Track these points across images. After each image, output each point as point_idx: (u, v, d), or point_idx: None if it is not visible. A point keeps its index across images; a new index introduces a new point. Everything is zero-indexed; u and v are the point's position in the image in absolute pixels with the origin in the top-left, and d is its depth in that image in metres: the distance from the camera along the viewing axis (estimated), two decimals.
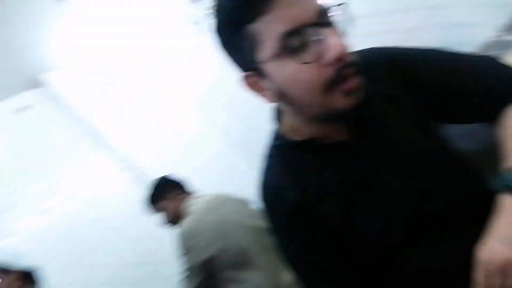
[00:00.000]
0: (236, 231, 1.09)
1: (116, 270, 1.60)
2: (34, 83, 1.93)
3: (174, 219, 1.29)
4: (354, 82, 0.35)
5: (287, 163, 0.44)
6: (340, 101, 0.35)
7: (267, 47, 0.34)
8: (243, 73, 0.39)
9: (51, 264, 1.22)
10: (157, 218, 1.35)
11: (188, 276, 1.17)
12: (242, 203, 1.24)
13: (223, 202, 1.21)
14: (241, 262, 1.09)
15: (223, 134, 1.94)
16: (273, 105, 0.44)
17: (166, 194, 1.31)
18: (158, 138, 1.91)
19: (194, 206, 1.23)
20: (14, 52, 1.81)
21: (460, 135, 0.51)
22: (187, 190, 1.33)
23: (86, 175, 1.82)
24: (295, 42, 0.33)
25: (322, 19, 0.33)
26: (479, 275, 0.32)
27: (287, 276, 0.98)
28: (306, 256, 0.45)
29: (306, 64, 0.33)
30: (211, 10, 0.38)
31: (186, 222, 1.20)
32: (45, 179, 1.75)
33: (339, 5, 0.34)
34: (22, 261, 1.06)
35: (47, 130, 1.87)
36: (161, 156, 1.83)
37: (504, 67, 0.43)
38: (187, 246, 1.16)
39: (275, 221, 0.47)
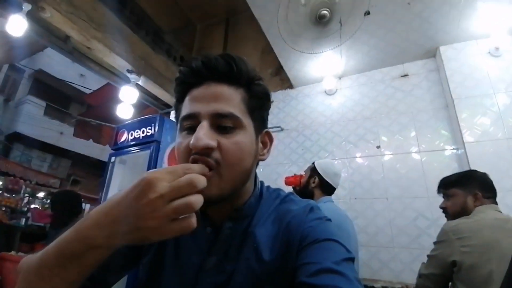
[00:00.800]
0: (498, 256, 1.00)
1: None
2: (429, 54, 2.29)
3: (455, 212, 1.26)
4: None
5: None
6: None
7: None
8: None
9: None
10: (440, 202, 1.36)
11: (427, 263, 1.20)
12: None
13: (507, 222, 1.12)
14: (477, 284, 1.02)
15: None
16: None
17: (469, 186, 1.27)
18: None
19: (482, 215, 1.16)
20: (417, 23, 2.04)
21: None
22: (492, 199, 1.25)
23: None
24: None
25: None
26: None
27: None
28: None
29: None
30: None
31: (464, 221, 1.17)
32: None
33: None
34: None
35: (411, 97, 2.30)
36: None
37: None
38: (446, 238, 1.14)
39: None
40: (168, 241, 0.56)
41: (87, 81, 9.06)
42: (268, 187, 0.63)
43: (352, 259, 0.46)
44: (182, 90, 0.52)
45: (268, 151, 0.58)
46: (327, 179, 1.58)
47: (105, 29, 2.49)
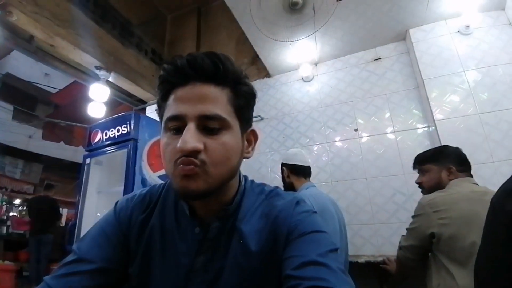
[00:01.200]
0: (479, 228, 1.03)
1: None
2: (399, 37, 2.35)
3: (430, 186, 1.30)
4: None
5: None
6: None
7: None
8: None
9: None
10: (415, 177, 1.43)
11: (406, 236, 1.26)
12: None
13: (485, 195, 1.14)
14: (460, 258, 1.06)
15: None
16: None
17: (443, 161, 1.30)
18: None
19: (457, 188, 1.20)
20: (387, 6, 2.06)
21: None
22: (466, 172, 1.29)
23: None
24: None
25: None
26: None
27: None
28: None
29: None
30: None
31: (439, 194, 1.19)
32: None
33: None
34: None
35: (384, 80, 2.37)
36: None
37: None
38: (423, 212, 1.18)
39: None
40: (153, 246, 0.55)
41: (52, 79, 8.52)
42: (252, 181, 0.64)
43: (337, 249, 0.48)
44: (165, 89, 0.51)
45: (253, 149, 0.59)
46: (291, 163, 1.65)
47: (69, 24, 2.33)
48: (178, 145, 0.45)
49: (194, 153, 0.46)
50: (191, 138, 0.45)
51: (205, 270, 0.52)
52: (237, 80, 0.52)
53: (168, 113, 0.50)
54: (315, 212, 0.56)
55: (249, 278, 0.50)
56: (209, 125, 0.48)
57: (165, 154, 0.50)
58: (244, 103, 0.53)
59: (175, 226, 0.56)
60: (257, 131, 0.60)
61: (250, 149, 0.58)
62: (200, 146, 0.46)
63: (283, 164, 1.69)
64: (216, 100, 0.49)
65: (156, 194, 0.62)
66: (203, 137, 0.47)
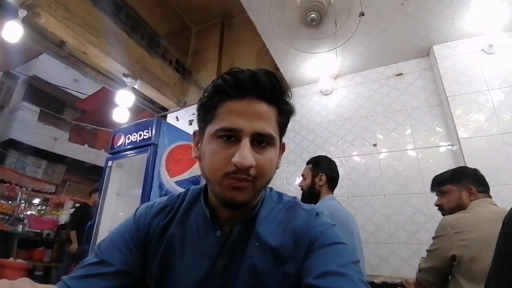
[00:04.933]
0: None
1: None
2: (423, 53, 2.33)
3: (451, 207, 1.28)
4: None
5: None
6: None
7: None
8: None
9: None
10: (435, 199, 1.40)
11: (427, 257, 1.23)
12: None
13: (503, 216, 1.15)
14: (478, 278, 1.02)
15: None
16: None
17: (463, 181, 1.28)
18: None
19: (479, 209, 1.18)
20: (410, 23, 2.06)
21: None
22: (485, 193, 1.27)
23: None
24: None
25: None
26: None
27: None
28: None
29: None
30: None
31: (461, 215, 1.18)
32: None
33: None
34: None
35: (406, 96, 2.33)
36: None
37: None
38: (445, 233, 1.16)
39: None
40: (173, 251, 0.57)
41: (81, 86, 8.99)
42: (271, 189, 0.65)
43: (358, 262, 0.48)
44: (218, 97, 0.52)
45: (280, 159, 0.60)
46: (331, 173, 1.58)
47: (101, 33, 2.49)
48: (237, 159, 0.47)
49: (248, 168, 0.48)
50: (249, 154, 0.48)
51: (224, 272, 0.53)
52: (284, 99, 0.55)
53: (220, 123, 0.50)
54: (334, 225, 0.56)
55: (264, 281, 0.51)
56: (260, 140, 0.51)
57: (212, 161, 0.51)
58: (285, 121, 0.57)
59: (195, 230, 0.58)
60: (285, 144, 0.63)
61: (279, 159, 0.59)
62: (255, 162, 0.48)
63: (320, 169, 1.58)
64: (268, 118, 0.52)
65: (176, 202, 0.64)
66: (254, 152, 0.50)
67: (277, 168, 0.57)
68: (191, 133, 0.62)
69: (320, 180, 1.57)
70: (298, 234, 0.54)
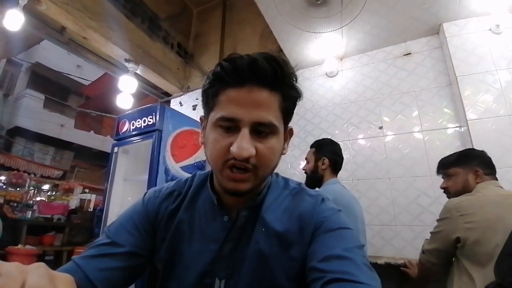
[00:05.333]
0: (503, 231, 0.97)
1: None
2: (432, 31, 2.24)
3: (457, 190, 1.28)
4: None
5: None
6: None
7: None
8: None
9: None
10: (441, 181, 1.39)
11: (430, 239, 1.23)
12: None
13: (510, 198, 1.12)
14: (482, 261, 1.03)
15: None
16: None
17: (469, 164, 1.27)
18: None
19: (484, 191, 1.17)
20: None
21: None
22: (492, 175, 1.26)
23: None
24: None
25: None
26: None
27: None
28: None
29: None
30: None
31: (467, 198, 1.17)
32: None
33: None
34: None
35: (414, 76, 2.26)
36: None
37: None
38: (449, 215, 1.15)
39: None
40: (182, 235, 0.58)
41: (84, 72, 8.96)
42: (277, 174, 0.66)
43: (363, 246, 0.49)
44: (218, 85, 0.51)
45: (287, 144, 0.59)
46: (334, 157, 1.57)
47: (101, 18, 2.44)
48: (234, 150, 0.47)
49: (247, 158, 0.48)
50: (247, 144, 0.47)
51: (231, 256, 0.54)
52: (289, 84, 0.52)
53: (221, 112, 0.50)
54: (340, 210, 0.57)
55: (270, 265, 0.52)
56: (260, 130, 0.50)
57: (212, 150, 0.51)
58: (291, 106, 0.54)
59: (203, 215, 0.59)
60: (293, 128, 0.61)
61: (285, 145, 0.59)
62: (254, 152, 0.48)
63: (323, 153, 1.56)
64: (270, 107, 0.50)
65: (183, 187, 0.65)
66: (254, 141, 0.49)
67: (283, 154, 0.57)
68: (195, 118, 0.62)
69: (323, 164, 1.55)
70: (304, 219, 0.54)
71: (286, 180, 0.65)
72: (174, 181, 0.68)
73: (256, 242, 0.53)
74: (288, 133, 0.59)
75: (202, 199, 0.61)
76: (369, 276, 0.42)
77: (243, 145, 0.47)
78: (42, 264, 0.28)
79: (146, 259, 0.58)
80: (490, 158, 1.29)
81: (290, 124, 0.59)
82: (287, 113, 0.54)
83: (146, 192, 0.66)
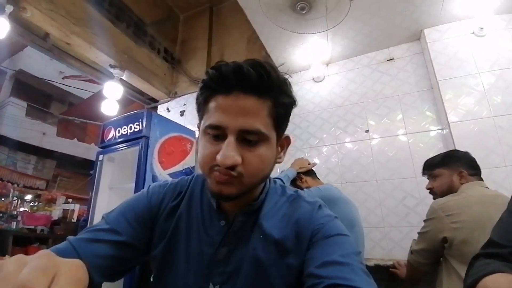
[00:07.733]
0: (490, 230, 1.01)
1: None
2: (414, 37, 2.31)
3: (442, 191, 1.29)
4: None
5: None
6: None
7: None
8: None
9: None
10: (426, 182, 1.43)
11: (418, 240, 1.25)
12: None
13: (496, 198, 1.14)
14: (468, 259, 1.04)
15: None
16: None
17: (453, 165, 1.29)
18: None
19: (469, 192, 1.18)
20: (401, 6, 2.02)
21: None
22: (476, 176, 1.27)
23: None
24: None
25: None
26: None
27: None
28: None
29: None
30: None
31: (452, 198, 1.18)
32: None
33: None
34: None
35: (397, 81, 2.33)
36: None
37: None
38: (435, 216, 1.16)
39: None
40: (179, 234, 0.58)
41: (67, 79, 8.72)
42: (275, 181, 0.66)
43: (359, 253, 0.49)
44: (207, 93, 0.52)
45: (284, 153, 0.59)
46: (305, 170, 1.76)
47: (84, 23, 2.39)
48: (219, 157, 0.47)
49: (233, 166, 0.47)
50: (231, 152, 0.47)
51: (227, 261, 0.54)
52: (280, 90, 0.51)
53: (208, 119, 0.50)
54: (336, 217, 0.57)
55: (267, 272, 0.51)
56: (248, 138, 0.49)
57: (200, 156, 0.52)
58: (283, 113, 0.53)
59: (200, 217, 0.59)
60: (291, 137, 0.61)
61: (282, 154, 0.58)
62: (239, 160, 0.47)
63: (302, 173, 1.73)
64: (257, 114, 0.49)
65: (185, 186, 0.65)
66: (241, 149, 0.48)
67: (278, 162, 0.56)
68: (183, 124, 0.62)
69: (304, 180, 1.73)
70: (301, 225, 0.54)
71: (283, 187, 0.65)
72: (178, 179, 0.68)
73: (253, 249, 0.53)
74: (285, 141, 0.59)
75: (201, 201, 0.61)
76: (366, 282, 0.42)
77: (227, 153, 0.46)
78: (44, 252, 0.27)
79: (141, 253, 0.58)
80: (474, 159, 1.32)
81: None
82: (279, 120, 0.53)
83: (149, 186, 0.66)
